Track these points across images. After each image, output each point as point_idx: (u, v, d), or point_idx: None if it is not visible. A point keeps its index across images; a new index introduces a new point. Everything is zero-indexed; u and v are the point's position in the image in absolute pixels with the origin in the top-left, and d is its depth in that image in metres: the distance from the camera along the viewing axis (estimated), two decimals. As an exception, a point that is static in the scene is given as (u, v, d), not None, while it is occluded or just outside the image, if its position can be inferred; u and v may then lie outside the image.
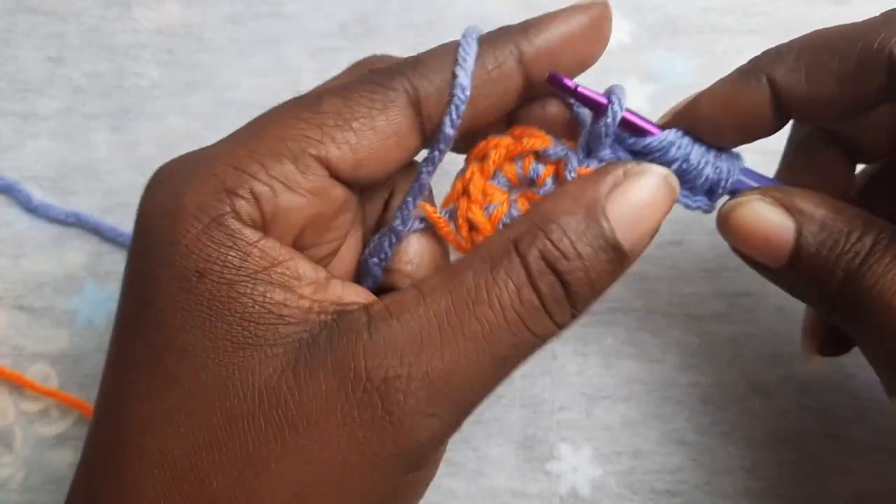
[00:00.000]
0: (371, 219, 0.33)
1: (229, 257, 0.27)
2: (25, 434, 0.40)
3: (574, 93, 0.30)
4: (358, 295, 0.28)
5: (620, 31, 0.47)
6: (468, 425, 0.40)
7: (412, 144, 0.30)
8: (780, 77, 0.29)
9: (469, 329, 0.26)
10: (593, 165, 0.31)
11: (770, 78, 0.30)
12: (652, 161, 0.31)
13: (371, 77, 0.29)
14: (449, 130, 0.29)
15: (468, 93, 0.29)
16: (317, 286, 0.28)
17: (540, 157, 0.31)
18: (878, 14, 0.30)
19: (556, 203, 0.28)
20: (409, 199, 0.31)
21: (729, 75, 0.31)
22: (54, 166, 0.44)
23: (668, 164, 0.31)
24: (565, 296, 0.27)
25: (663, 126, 0.31)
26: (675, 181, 0.29)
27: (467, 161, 0.32)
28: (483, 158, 0.31)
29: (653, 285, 0.42)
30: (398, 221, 0.31)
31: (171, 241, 0.27)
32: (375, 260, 0.31)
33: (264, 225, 0.28)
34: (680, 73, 0.46)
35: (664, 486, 0.39)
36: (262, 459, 0.26)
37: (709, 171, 0.31)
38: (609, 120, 0.30)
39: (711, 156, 0.32)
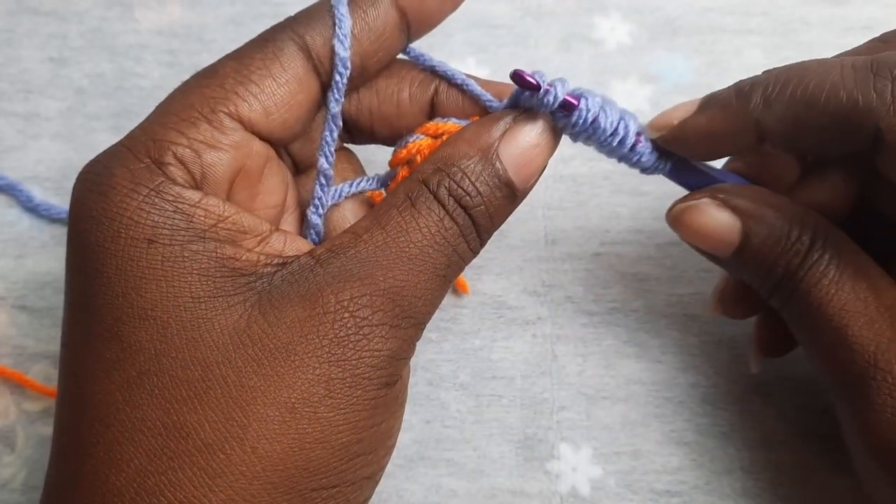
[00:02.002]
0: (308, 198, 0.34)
1: (175, 220, 0.28)
2: (27, 434, 0.40)
3: (539, 91, 0.31)
4: (299, 248, 0.30)
5: (620, 32, 0.47)
6: (469, 425, 0.40)
7: (312, 86, 0.31)
8: (768, 124, 0.31)
9: (408, 252, 0.29)
10: None
11: (758, 122, 0.31)
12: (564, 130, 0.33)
13: (258, 36, 0.32)
14: (341, 51, 0.31)
15: (344, 9, 0.31)
16: (261, 239, 0.29)
17: None
18: (867, 58, 0.30)
19: (455, 147, 0.31)
20: (326, 133, 0.32)
21: (712, 105, 0.32)
22: (56, 167, 0.44)
23: (575, 135, 0.33)
24: (473, 227, 0.30)
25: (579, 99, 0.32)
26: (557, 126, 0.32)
27: (392, 166, 0.33)
28: (409, 163, 0.32)
29: (653, 286, 0.42)
30: (322, 160, 0.32)
31: (112, 217, 0.28)
32: (312, 208, 0.32)
33: (197, 186, 0.29)
34: (680, 73, 0.46)
35: (664, 486, 0.39)
36: (246, 396, 0.27)
37: (623, 151, 0.34)
38: (580, 121, 0.32)
39: (625, 144, 0.33)
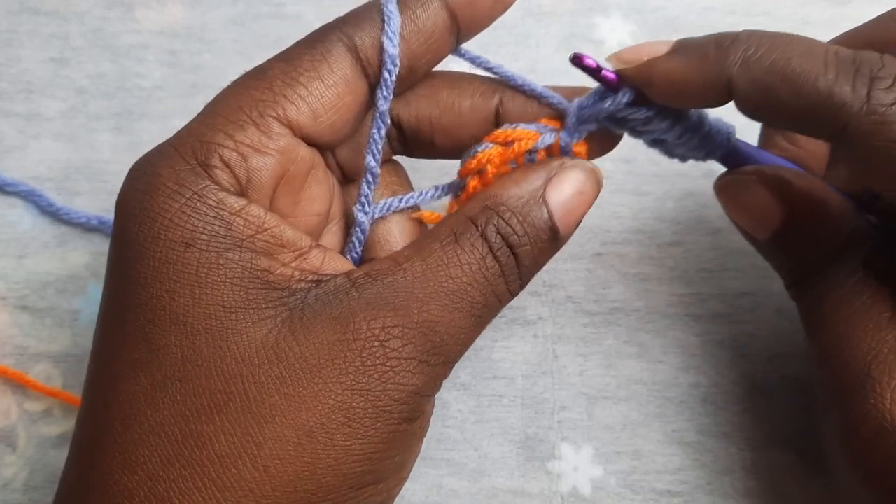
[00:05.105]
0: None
1: (215, 227, 0.28)
2: (29, 434, 0.41)
3: (597, 74, 0.32)
4: (336, 267, 0.30)
5: (622, 32, 0.47)
6: (470, 425, 0.40)
7: (360, 88, 0.31)
8: (740, 84, 0.29)
9: (446, 287, 0.29)
10: (583, 137, 0.33)
11: (730, 80, 0.29)
12: (633, 127, 0.33)
13: (307, 37, 0.31)
14: (390, 48, 0.31)
15: (394, 7, 0.31)
16: (299, 254, 0.29)
17: (531, 151, 0.33)
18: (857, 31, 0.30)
19: (505, 188, 0.31)
20: (374, 130, 0.32)
21: (688, 51, 0.31)
22: (58, 167, 0.44)
23: (650, 135, 0.33)
24: (516, 267, 0.30)
25: (617, 74, 0.32)
26: (601, 175, 0.33)
27: (461, 176, 0.33)
28: (480, 173, 0.32)
29: (653, 286, 0.42)
30: (369, 157, 0.32)
31: (154, 217, 0.28)
32: (358, 206, 0.32)
33: (242, 191, 0.29)
34: (681, 73, 0.46)
35: (665, 485, 0.39)
36: (265, 414, 0.27)
37: (694, 143, 0.34)
38: (624, 100, 0.32)
39: (696, 134, 0.33)
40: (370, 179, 0.32)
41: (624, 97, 0.32)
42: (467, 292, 0.29)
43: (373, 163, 0.32)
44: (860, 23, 0.43)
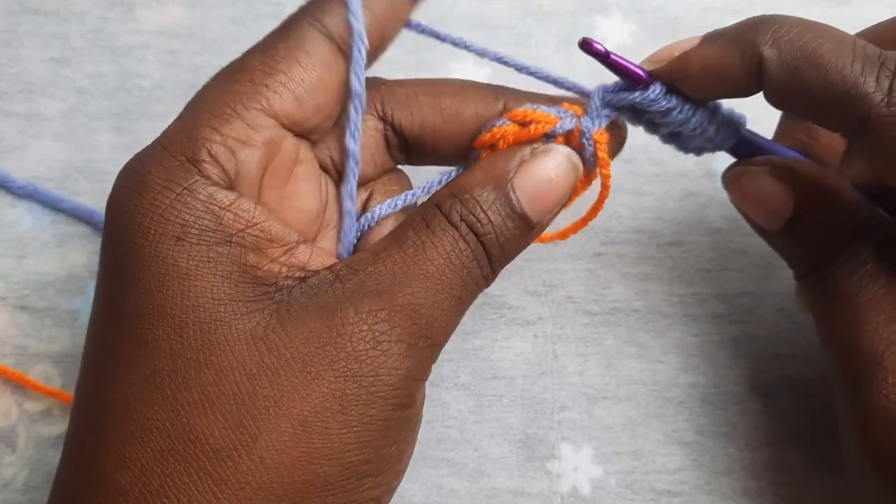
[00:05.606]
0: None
1: (205, 221, 0.28)
2: (28, 434, 0.41)
3: (606, 59, 0.32)
4: (323, 263, 0.30)
5: (622, 33, 0.47)
6: (470, 425, 0.40)
7: (339, 66, 0.31)
8: (770, 65, 0.30)
9: (425, 269, 0.29)
10: (604, 125, 0.33)
11: (762, 60, 0.30)
12: (651, 120, 0.33)
13: (278, 26, 0.31)
14: (355, 24, 0.30)
15: None
16: (286, 249, 0.29)
17: (548, 135, 0.32)
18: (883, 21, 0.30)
19: (471, 176, 0.31)
20: (351, 110, 0.31)
21: (719, 37, 0.32)
22: (58, 167, 0.44)
23: (666, 124, 0.33)
24: (485, 254, 0.30)
25: (650, 73, 0.33)
26: (576, 159, 0.32)
27: (476, 147, 0.33)
28: (492, 147, 0.32)
29: (653, 286, 0.42)
30: (349, 140, 0.32)
31: (144, 213, 0.28)
32: (344, 192, 0.32)
33: (231, 185, 0.29)
34: (681, 73, 0.46)
35: (664, 485, 0.39)
36: (258, 405, 0.27)
37: (709, 133, 0.34)
38: (652, 96, 0.32)
39: (712, 123, 0.33)
40: (353, 165, 0.32)
41: (654, 92, 0.32)
42: (445, 274, 0.29)
43: (353, 145, 0.32)
44: (860, 23, 0.43)
